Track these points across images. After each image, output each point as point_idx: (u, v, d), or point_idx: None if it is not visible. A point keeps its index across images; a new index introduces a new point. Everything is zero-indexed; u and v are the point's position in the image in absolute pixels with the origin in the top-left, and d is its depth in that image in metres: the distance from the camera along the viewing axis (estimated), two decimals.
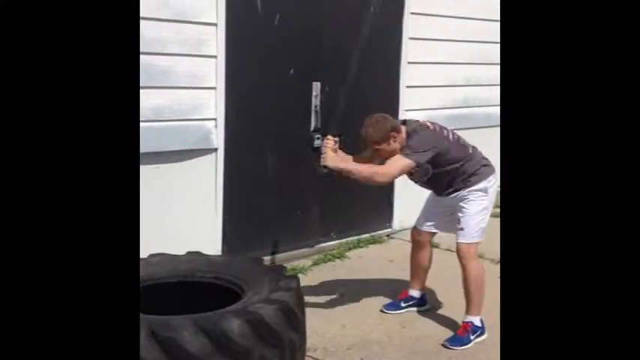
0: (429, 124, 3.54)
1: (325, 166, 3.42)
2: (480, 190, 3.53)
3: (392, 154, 3.40)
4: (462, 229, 3.52)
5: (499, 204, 5.90)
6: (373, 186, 5.14)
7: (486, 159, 3.63)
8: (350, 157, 3.58)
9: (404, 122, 3.54)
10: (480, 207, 3.53)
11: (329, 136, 3.51)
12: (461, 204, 3.54)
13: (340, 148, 3.51)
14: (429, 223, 3.79)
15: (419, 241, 3.85)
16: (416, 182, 3.67)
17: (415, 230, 3.87)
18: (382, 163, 3.46)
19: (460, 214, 3.53)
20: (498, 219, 6.09)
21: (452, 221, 3.61)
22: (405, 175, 3.59)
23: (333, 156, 3.44)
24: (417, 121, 3.60)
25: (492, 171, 3.60)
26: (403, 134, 3.43)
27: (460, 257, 3.54)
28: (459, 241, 3.54)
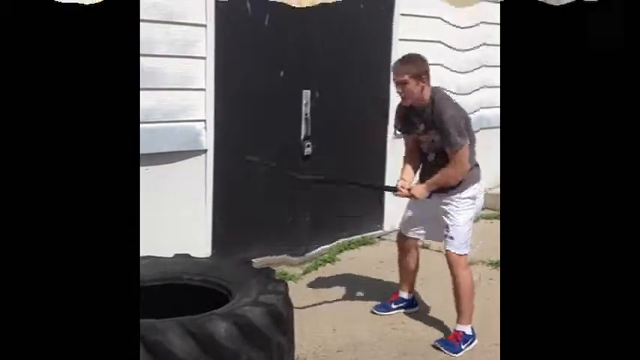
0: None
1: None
2: (470, 197, 3.51)
3: (411, 94, 3.42)
4: (451, 237, 3.50)
5: (495, 207, 5.93)
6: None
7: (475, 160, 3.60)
8: (411, 170, 3.63)
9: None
10: (468, 217, 3.52)
11: (399, 189, 3.55)
12: (448, 211, 3.50)
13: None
14: (416, 230, 3.75)
15: (405, 246, 3.82)
16: (422, 155, 3.61)
17: (401, 236, 3.83)
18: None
19: (449, 222, 3.50)
20: (490, 221, 6.09)
21: (438, 227, 3.58)
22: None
23: (420, 191, 3.49)
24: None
25: (480, 175, 3.59)
26: (429, 87, 3.46)
27: (451, 266, 3.51)
28: (450, 249, 3.50)
